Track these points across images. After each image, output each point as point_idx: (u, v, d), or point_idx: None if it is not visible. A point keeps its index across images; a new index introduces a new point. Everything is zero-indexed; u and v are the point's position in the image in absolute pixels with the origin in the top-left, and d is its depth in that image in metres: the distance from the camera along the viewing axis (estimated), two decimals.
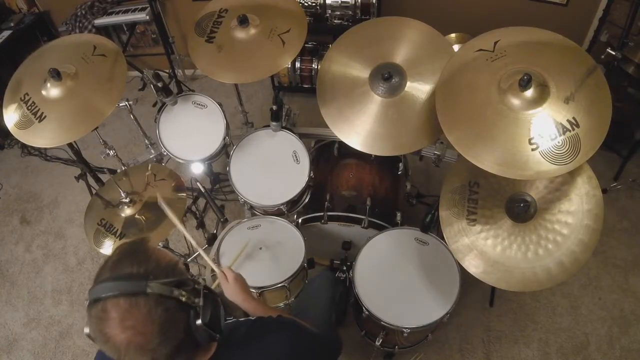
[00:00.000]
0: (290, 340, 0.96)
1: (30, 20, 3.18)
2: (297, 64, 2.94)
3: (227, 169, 1.87)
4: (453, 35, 2.05)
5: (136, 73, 3.15)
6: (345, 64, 1.60)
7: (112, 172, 1.94)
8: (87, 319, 0.74)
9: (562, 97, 1.20)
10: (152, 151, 2.06)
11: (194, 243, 1.33)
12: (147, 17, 2.99)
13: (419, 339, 1.80)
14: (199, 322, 0.78)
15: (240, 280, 1.25)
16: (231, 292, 1.22)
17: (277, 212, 1.88)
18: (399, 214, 1.90)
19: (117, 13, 3.08)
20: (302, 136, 1.90)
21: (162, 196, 1.39)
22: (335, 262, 2.06)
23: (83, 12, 3.06)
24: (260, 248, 1.71)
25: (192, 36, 1.76)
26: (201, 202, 2.52)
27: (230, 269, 1.27)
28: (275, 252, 1.71)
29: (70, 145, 1.91)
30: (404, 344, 1.79)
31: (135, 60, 3.34)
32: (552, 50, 1.27)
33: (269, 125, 1.89)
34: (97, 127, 1.63)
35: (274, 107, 1.78)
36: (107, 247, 1.58)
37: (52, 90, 1.55)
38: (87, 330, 0.75)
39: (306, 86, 3.05)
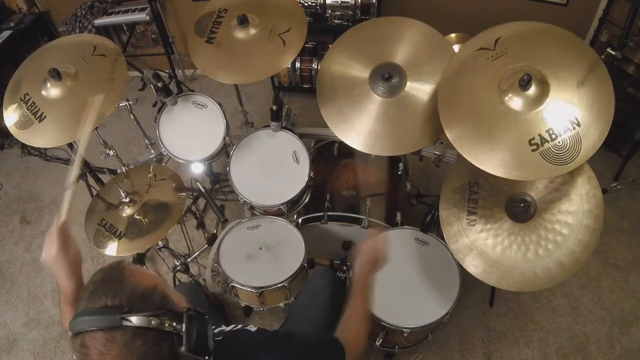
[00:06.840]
0: None
1: (30, 20, 3.18)
2: (297, 64, 2.94)
3: (227, 169, 1.87)
4: (453, 35, 2.04)
5: (136, 73, 3.15)
6: (345, 64, 1.59)
7: (112, 172, 1.94)
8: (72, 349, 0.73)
9: (562, 97, 1.20)
10: (152, 151, 2.06)
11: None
12: (147, 17, 2.99)
13: (419, 339, 1.80)
14: (182, 349, 0.74)
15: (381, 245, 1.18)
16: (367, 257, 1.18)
17: (277, 212, 1.88)
18: (399, 214, 1.90)
19: (117, 13, 3.08)
20: (302, 136, 1.90)
21: (161, 197, 1.38)
22: (335, 262, 2.06)
23: (83, 12, 3.06)
24: (260, 248, 1.71)
25: (192, 36, 1.76)
26: (201, 202, 2.52)
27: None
28: (275, 252, 1.71)
29: (70, 145, 1.91)
30: (404, 344, 1.79)
31: (135, 60, 3.34)
32: (554, 43, 1.26)
33: (269, 125, 1.89)
34: (97, 127, 1.63)
35: (274, 107, 1.78)
36: (108, 248, 1.58)
37: (52, 90, 1.55)
38: (75, 358, 0.74)
39: (306, 86, 3.05)
